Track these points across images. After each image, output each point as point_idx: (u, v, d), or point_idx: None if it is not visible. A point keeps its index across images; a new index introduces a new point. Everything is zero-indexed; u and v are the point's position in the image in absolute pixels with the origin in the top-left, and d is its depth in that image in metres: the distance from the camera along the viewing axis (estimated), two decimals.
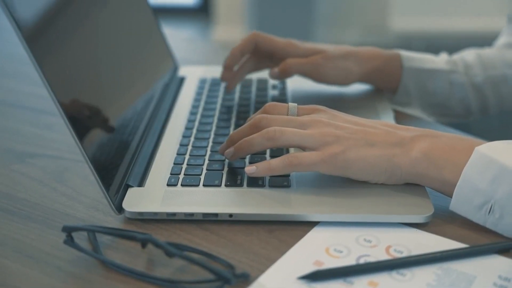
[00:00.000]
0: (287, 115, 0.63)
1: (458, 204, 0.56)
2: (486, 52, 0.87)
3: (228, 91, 0.82)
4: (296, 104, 0.64)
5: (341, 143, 0.58)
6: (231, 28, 3.42)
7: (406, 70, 0.81)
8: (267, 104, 0.65)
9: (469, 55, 0.87)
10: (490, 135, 1.07)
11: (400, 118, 0.79)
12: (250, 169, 0.60)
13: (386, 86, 0.83)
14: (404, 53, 0.82)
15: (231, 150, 0.63)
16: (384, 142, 0.59)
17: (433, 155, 0.58)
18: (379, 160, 0.58)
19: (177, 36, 1.16)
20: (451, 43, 3.22)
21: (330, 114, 0.63)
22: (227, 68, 0.81)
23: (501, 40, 0.90)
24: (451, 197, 0.57)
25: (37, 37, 0.56)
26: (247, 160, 0.65)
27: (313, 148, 0.59)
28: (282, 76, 0.79)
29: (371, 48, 0.81)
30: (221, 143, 0.69)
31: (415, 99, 0.83)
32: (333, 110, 0.63)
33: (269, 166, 0.60)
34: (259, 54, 0.81)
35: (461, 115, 0.87)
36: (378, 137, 0.59)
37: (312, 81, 0.80)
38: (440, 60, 0.84)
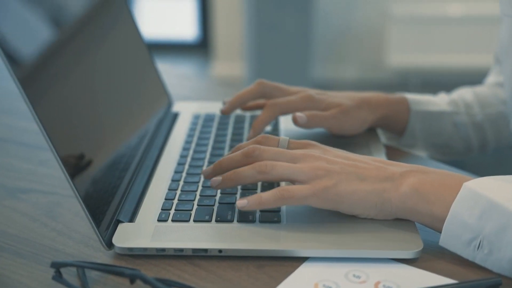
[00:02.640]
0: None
1: (447, 239, 0.57)
2: (480, 90, 0.89)
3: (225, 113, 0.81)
4: (287, 138, 0.65)
5: (332, 177, 0.59)
6: (230, 64, 3.45)
7: (413, 113, 0.82)
8: (259, 136, 0.66)
9: (466, 94, 0.88)
10: (485, 172, 1.08)
11: (392, 154, 0.80)
12: (241, 203, 0.60)
13: (394, 130, 0.84)
14: (410, 97, 0.83)
15: (218, 179, 0.63)
16: (375, 177, 0.59)
17: (422, 190, 0.58)
18: (369, 195, 0.59)
19: (174, 73, 1.17)
20: (447, 79, 3.25)
21: (322, 149, 0.63)
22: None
23: (490, 79, 0.92)
24: (441, 233, 0.57)
25: (30, 74, 0.56)
26: (238, 195, 0.65)
27: (304, 181, 0.59)
28: (309, 125, 0.77)
29: (379, 94, 0.81)
30: None
31: (420, 140, 0.84)
32: (324, 146, 0.64)
33: (260, 200, 0.60)
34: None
35: (462, 153, 0.88)
36: (369, 172, 0.60)
37: (330, 133, 0.80)
38: (442, 101, 0.86)
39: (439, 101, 0.86)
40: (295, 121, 0.76)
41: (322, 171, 0.59)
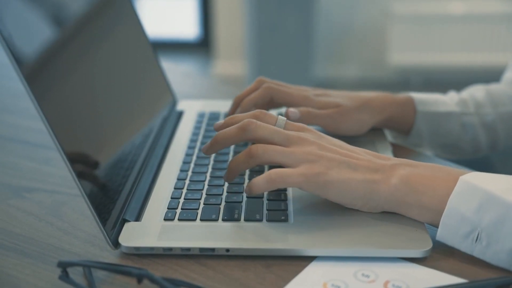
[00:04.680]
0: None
1: (445, 233, 0.57)
2: (494, 88, 0.88)
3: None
4: (285, 118, 0.65)
5: (323, 164, 0.59)
6: (231, 63, 3.45)
7: (420, 114, 0.81)
8: (258, 110, 0.65)
9: (478, 92, 0.87)
10: (491, 171, 1.07)
11: (398, 152, 0.79)
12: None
13: (399, 130, 0.83)
14: (417, 97, 0.82)
15: (226, 175, 0.64)
16: (366, 167, 0.60)
17: (412, 182, 0.58)
18: (359, 185, 0.59)
19: (176, 70, 1.17)
20: (448, 78, 3.24)
21: (317, 135, 0.63)
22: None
23: (509, 75, 0.91)
24: (429, 224, 0.58)
25: (36, 73, 0.56)
26: (244, 194, 0.65)
27: (295, 165, 0.59)
28: (302, 121, 0.75)
29: (383, 95, 0.80)
30: (218, 177, 0.69)
31: (427, 140, 0.84)
32: (319, 132, 0.64)
33: (252, 184, 0.60)
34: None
35: (470, 153, 0.88)
36: (360, 162, 0.60)
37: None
38: (450, 101, 0.85)
39: (448, 100, 0.85)
40: (287, 117, 0.76)
41: (314, 156, 0.59)
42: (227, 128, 0.63)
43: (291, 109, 0.75)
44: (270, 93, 0.78)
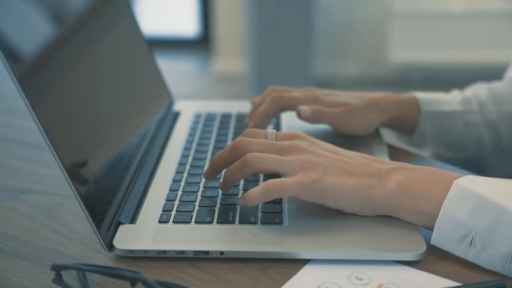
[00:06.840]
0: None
1: (439, 237, 0.57)
2: (497, 86, 0.88)
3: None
4: (274, 131, 0.65)
5: (319, 170, 0.59)
6: (231, 60, 3.45)
7: (424, 114, 0.82)
8: (246, 130, 0.66)
9: (481, 90, 0.87)
10: (489, 171, 1.07)
11: (394, 154, 0.79)
12: (240, 203, 0.61)
13: (403, 130, 0.83)
14: (421, 96, 0.82)
15: (221, 185, 0.64)
16: (361, 172, 0.60)
17: (408, 186, 0.58)
18: (356, 190, 0.59)
19: (175, 70, 1.17)
20: (448, 75, 3.24)
21: (309, 141, 0.63)
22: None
23: (511, 73, 0.90)
24: (425, 227, 0.58)
25: (29, 73, 0.56)
26: (239, 196, 0.65)
27: (291, 174, 0.59)
28: (313, 119, 0.77)
29: (388, 95, 0.80)
30: (214, 179, 0.69)
31: (431, 140, 0.84)
32: (312, 138, 0.64)
33: (250, 196, 0.60)
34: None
35: (474, 151, 0.88)
36: (355, 167, 0.60)
37: (335, 130, 0.80)
38: (454, 100, 0.85)
39: (451, 99, 0.85)
40: (299, 114, 0.76)
41: (309, 164, 0.59)
42: (222, 151, 0.64)
43: (302, 107, 0.76)
44: (279, 102, 0.78)
